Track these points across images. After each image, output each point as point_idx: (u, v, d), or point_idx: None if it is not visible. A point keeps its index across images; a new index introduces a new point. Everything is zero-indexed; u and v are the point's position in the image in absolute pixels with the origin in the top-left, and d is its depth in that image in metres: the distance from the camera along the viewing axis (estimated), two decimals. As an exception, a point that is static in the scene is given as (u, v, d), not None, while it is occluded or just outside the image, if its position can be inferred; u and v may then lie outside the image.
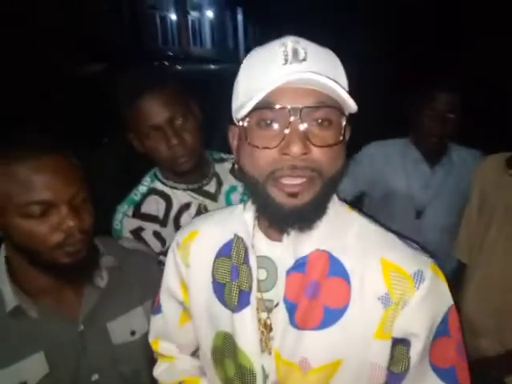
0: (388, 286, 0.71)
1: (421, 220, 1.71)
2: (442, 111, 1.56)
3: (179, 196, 1.28)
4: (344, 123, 0.68)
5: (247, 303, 0.76)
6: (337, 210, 0.77)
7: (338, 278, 0.73)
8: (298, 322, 0.72)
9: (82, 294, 0.93)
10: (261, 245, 0.77)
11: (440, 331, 0.72)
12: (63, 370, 0.88)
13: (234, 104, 0.74)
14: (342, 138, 0.68)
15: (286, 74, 0.64)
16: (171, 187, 1.28)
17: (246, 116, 0.68)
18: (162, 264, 1.23)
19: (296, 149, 0.64)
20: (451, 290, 0.75)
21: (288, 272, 0.73)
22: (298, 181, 0.66)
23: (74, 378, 0.89)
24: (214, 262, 0.82)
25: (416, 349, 0.71)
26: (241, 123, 0.70)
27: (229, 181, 1.35)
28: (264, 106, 0.65)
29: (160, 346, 0.94)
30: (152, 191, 1.28)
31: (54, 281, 0.90)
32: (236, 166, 0.71)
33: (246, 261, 0.78)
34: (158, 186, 1.29)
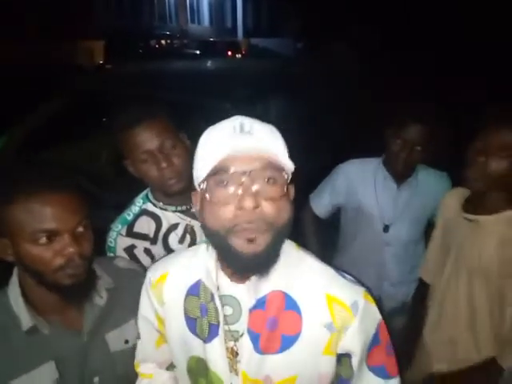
0: (332, 316, 0.89)
1: (388, 234, 1.89)
2: (409, 142, 1.68)
3: (168, 217, 1.42)
4: (286, 181, 0.84)
5: (216, 334, 0.91)
6: (287, 251, 0.91)
7: (292, 312, 0.90)
8: (261, 348, 0.88)
9: (84, 311, 1.08)
10: (225, 285, 0.91)
11: (372, 343, 0.92)
12: (70, 375, 1.04)
13: (195, 173, 0.88)
14: (285, 191, 0.83)
15: (236, 144, 0.80)
16: (161, 208, 1.42)
17: (205, 179, 0.83)
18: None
19: (248, 203, 0.78)
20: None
21: (250, 310, 0.89)
22: (254, 233, 0.80)
23: (79, 381, 1.06)
24: (185, 299, 0.96)
25: (356, 361, 0.90)
26: (201, 186, 0.85)
27: None
28: (220, 170, 0.81)
29: (141, 368, 1.11)
30: (144, 212, 1.42)
31: (59, 300, 1.04)
32: (200, 224, 0.91)
33: (212, 300, 0.92)
34: (149, 207, 1.43)
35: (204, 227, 0.87)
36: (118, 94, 2.69)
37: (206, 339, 0.92)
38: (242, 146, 0.80)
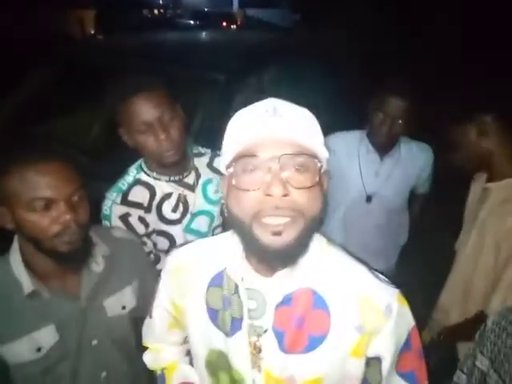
0: (363, 318, 0.84)
1: (371, 204, 1.97)
2: (391, 116, 1.74)
3: (162, 186, 1.49)
4: (319, 168, 0.78)
5: (239, 328, 0.87)
6: (317, 247, 0.86)
7: (320, 311, 0.85)
8: (286, 347, 0.84)
9: (82, 277, 1.15)
10: (250, 277, 0.86)
11: (403, 348, 0.87)
12: (70, 338, 1.12)
13: (223, 156, 0.84)
14: (318, 180, 0.77)
15: (267, 128, 0.75)
16: (155, 178, 1.48)
17: (232, 164, 0.79)
18: (144, 245, 1.46)
19: (277, 190, 0.72)
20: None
21: (276, 306, 0.84)
22: (281, 220, 0.74)
23: (78, 343, 1.14)
24: (207, 290, 0.92)
25: (386, 366, 0.86)
26: (228, 170, 0.81)
27: (206, 174, 1.57)
28: (248, 154, 0.76)
29: (149, 344, 1.13)
30: (137, 181, 1.48)
31: (57, 266, 1.11)
32: (225, 210, 0.86)
33: (236, 292, 0.88)
34: (143, 177, 1.49)
35: (229, 215, 0.83)
36: (108, 66, 2.71)
37: (229, 333, 0.88)
38: (272, 129, 0.75)
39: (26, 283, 1.07)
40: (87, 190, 1.11)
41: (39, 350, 1.08)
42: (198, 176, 1.54)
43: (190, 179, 1.53)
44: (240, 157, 0.78)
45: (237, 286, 0.88)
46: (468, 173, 1.63)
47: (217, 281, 0.92)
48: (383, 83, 1.83)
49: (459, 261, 1.67)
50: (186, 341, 1.08)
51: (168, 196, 1.49)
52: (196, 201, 1.53)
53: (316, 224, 0.80)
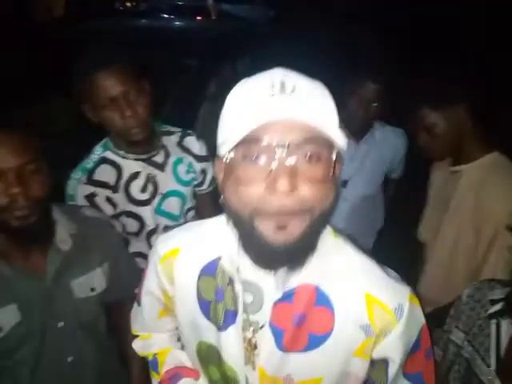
0: (371, 318, 0.76)
1: (346, 189, 1.98)
2: (366, 99, 1.77)
3: (129, 165, 1.44)
4: (334, 158, 0.68)
5: (233, 322, 0.79)
6: (323, 239, 0.76)
7: (323, 308, 0.77)
8: (284, 345, 0.77)
9: (48, 256, 1.10)
10: (246, 268, 0.78)
11: (413, 349, 0.80)
12: (33, 319, 1.07)
13: (220, 138, 0.74)
14: (332, 173, 0.68)
15: (273, 108, 0.64)
16: (122, 157, 1.44)
17: (231, 149, 0.68)
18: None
19: (283, 185, 0.63)
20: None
21: (275, 302, 0.77)
22: (287, 218, 0.66)
23: (42, 325, 1.09)
24: (199, 279, 0.84)
25: (393, 368, 0.79)
26: (226, 156, 0.70)
27: (176, 153, 1.53)
28: (251, 139, 0.65)
29: (138, 332, 1.05)
30: (103, 160, 1.43)
31: (19, 243, 1.05)
32: (220, 199, 0.76)
33: (231, 283, 0.80)
34: (109, 155, 1.44)
35: (225, 205, 0.74)
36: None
37: (221, 326, 0.81)
38: (280, 110, 0.64)
39: None
40: (45, 164, 1.05)
41: None
42: (167, 155, 1.50)
43: (159, 158, 1.49)
44: (242, 141, 0.66)
45: (231, 278, 0.80)
46: (436, 159, 1.62)
47: (209, 270, 0.83)
48: (358, 68, 1.86)
49: (434, 250, 1.64)
50: (177, 327, 1.01)
51: (136, 175, 1.45)
52: (166, 181, 1.49)
53: (325, 221, 0.71)
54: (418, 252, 1.81)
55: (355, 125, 1.88)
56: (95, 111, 1.33)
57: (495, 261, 1.42)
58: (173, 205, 1.52)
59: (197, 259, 0.85)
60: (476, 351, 1.12)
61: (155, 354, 1.02)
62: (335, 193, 0.70)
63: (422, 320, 0.83)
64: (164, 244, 0.90)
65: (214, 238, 0.85)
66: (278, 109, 0.64)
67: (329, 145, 0.67)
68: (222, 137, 0.72)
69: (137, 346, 1.06)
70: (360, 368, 0.80)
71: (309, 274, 0.76)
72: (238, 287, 0.79)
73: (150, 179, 1.46)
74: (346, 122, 1.91)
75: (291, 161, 0.64)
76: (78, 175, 1.40)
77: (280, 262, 0.72)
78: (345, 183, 1.98)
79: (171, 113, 2.09)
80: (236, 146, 0.67)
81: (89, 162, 1.43)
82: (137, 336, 1.06)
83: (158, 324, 1.01)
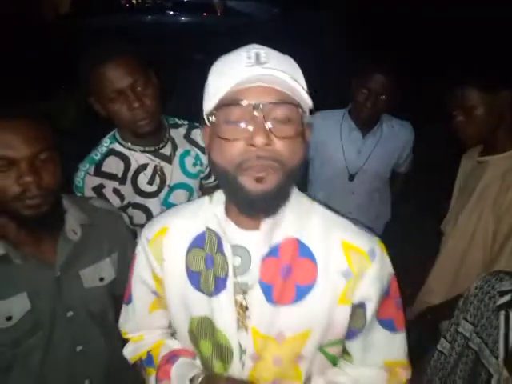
0: (349, 262, 0.86)
1: (353, 182, 1.99)
2: (375, 92, 1.78)
3: (137, 157, 1.45)
4: (303, 119, 0.79)
5: (223, 287, 0.86)
6: (299, 201, 0.89)
7: (306, 260, 0.86)
8: (274, 299, 0.84)
9: (58, 245, 1.11)
10: (233, 234, 0.87)
11: (384, 293, 0.90)
12: (43, 308, 1.08)
13: (205, 104, 0.82)
14: (300, 130, 0.78)
15: (250, 76, 0.74)
16: (129, 149, 1.45)
17: (214, 112, 0.78)
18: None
19: (260, 140, 0.73)
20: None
21: (263, 258, 0.85)
22: (264, 170, 0.76)
23: (52, 314, 1.10)
24: (187, 253, 0.90)
25: (370, 310, 0.88)
26: (210, 119, 0.79)
27: (183, 145, 1.53)
28: (231, 102, 0.75)
29: (129, 335, 1.06)
30: (111, 152, 1.44)
31: (29, 232, 1.06)
32: (208, 160, 0.87)
33: (219, 250, 0.87)
34: (117, 147, 1.45)
35: (212, 164, 0.83)
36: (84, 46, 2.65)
37: (212, 293, 0.87)
38: (255, 76, 0.73)
39: None
40: (58, 154, 1.06)
41: (9, 318, 1.04)
42: (174, 147, 1.51)
43: (167, 150, 1.49)
44: (223, 105, 0.76)
45: (220, 244, 0.87)
46: (467, 143, 1.58)
47: (198, 242, 0.90)
48: (367, 61, 1.86)
49: (450, 239, 1.63)
50: (170, 324, 1.03)
51: (143, 167, 1.45)
52: (173, 173, 1.49)
53: (295, 175, 0.81)
54: (426, 246, 1.81)
55: (363, 117, 1.88)
56: (103, 104, 1.34)
57: (510, 253, 1.40)
58: (180, 197, 1.53)
59: (185, 234, 0.92)
60: (484, 343, 1.11)
61: (149, 351, 1.02)
62: (303, 151, 0.80)
63: (391, 269, 0.92)
64: (150, 228, 0.96)
65: (199, 214, 0.92)
66: (253, 76, 0.74)
67: (298, 107, 0.78)
68: (206, 102, 0.81)
69: (128, 351, 1.05)
70: (344, 317, 0.88)
71: (290, 229, 0.86)
72: (228, 251, 0.86)
73: (158, 171, 1.47)
74: (353, 115, 1.95)
75: (266, 120, 0.74)
76: (85, 167, 1.42)
77: (259, 209, 0.81)
78: (352, 176, 1.99)
79: (177, 106, 2.09)
80: (219, 110, 0.77)
81: (97, 154, 1.44)
82: (127, 341, 1.06)
83: (149, 319, 1.02)
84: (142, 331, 1.04)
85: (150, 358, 1.02)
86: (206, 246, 0.89)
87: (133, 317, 1.02)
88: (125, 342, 1.11)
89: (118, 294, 1.24)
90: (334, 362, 0.95)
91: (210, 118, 0.80)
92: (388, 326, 0.92)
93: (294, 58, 0.83)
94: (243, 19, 5.62)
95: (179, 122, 1.58)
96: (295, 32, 4.31)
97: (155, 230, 0.95)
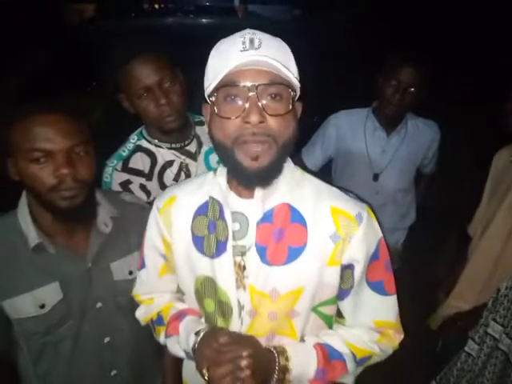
0: (336, 226, 0.95)
1: (377, 182, 1.98)
2: (404, 84, 1.77)
3: (163, 154, 1.48)
4: (292, 97, 0.88)
5: (224, 250, 0.96)
6: (293, 172, 0.99)
7: (298, 224, 0.95)
8: (268, 259, 0.94)
9: (89, 237, 1.14)
10: (233, 202, 0.97)
11: (373, 257, 0.98)
12: (74, 298, 1.12)
13: (205, 85, 0.92)
14: (290, 108, 0.88)
15: (245, 59, 0.83)
16: (156, 145, 1.48)
17: (214, 93, 0.88)
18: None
19: (254, 118, 0.83)
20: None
21: (258, 223, 0.95)
22: (259, 147, 0.86)
23: (82, 304, 1.13)
24: (193, 220, 1.02)
25: (358, 271, 0.97)
26: (210, 99, 0.89)
27: (208, 143, 1.55)
28: (228, 83, 0.85)
29: (141, 297, 1.15)
30: (138, 148, 1.48)
31: (62, 223, 1.10)
32: (209, 136, 0.96)
33: (221, 217, 0.98)
34: (144, 143, 1.49)
35: (212, 140, 0.93)
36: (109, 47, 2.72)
37: (214, 255, 0.97)
38: (250, 60, 0.83)
39: (32, 236, 1.07)
40: (93, 147, 1.10)
41: (43, 306, 1.08)
42: (199, 144, 1.54)
43: (192, 147, 1.52)
44: (222, 86, 0.86)
45: (221, 211, 0.98)
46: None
47: (202, 210, 1.01)
48: (396, 53, 1.85)
49: (483, 242, 1.58)
50: (178, 289, 1.12)
51: (169, 164, 1.48)
52: (198, 170, 1.52)
53: (288, 149, 0.91)
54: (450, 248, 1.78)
55: (389, 112, 1.87)
56: (131, 101, 1.37)
57: None
58: None
59: (191, 203, 1.03)
60: (514, 343, 1.10)
61: (159, 312, 1.12)
62: (294, 127, 0.90)
63: (380, 233, 1.00)
64: (161, 198, 1.07)
65: (204, 186, 1.04)
66: (248, 60, 0.83)
67: (288, 87, 0.87)
68: (207, 83, 0.91)
69: (140, 313, 1.15)
70: (333, 277, 0.96)
71: (282, 196, 0.96)
72: (228, 217, 0.96)
73: (183, 168, 1.50)
74: (378, 112, 1.94)
75: (260, 99, 0.84)
76: (113, 163, 1.45)
77: (255, 182, 0.91)
78: (376, 176, 1.98)
79: (200, 105, 2.12)
80: (218, 90, 0.87)
81: (124, 150, 1.48)
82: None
83: (160, 283, 1.12)
84: (153, 294, 1.14)
85: (160, 318, 1.11)
86: (209, 213, 1.00)
87: (146, 280, 1.12)
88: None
89: None
90: (328, 322, 1.03)
91: (210, 98, 0.89)
92: (377, 288, 1.00)
93: (314, 58, 0.90)
94: (264, 22, 5.66)
95: (204, 120, 1.60)
96: (316, 32, 4.32)
97: (165, 199, 1.06)
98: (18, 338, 1.12)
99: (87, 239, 1.14)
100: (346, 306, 1.01)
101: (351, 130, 1.99)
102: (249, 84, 0.84)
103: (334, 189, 1.02)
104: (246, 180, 0.91)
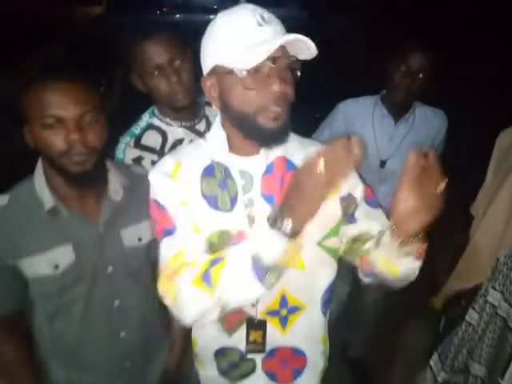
0: None
1: (384, 169, 2.03)
2: (414, 69, 1.82)
3: (174, 132, 1.55)
4: (299, 69, 1.02)
5: (236, 203, 1.08)
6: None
7: (292, 172, 1.07)
8: (276, 204, 1.06)
9: (101, 204, 1.21)
10: (235, 161, 1.09)
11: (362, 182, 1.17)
12: (86, 261, 1.18)
13: (217, 57, 0.99)
14: (297, 77, 1.02)
15: (267, 35, 0.94)
16: (167, 124, 1.55)
17: (233, 66, 0.96)
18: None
19: (276, 87, 0.95)
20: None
21: (262, 176, 1.09)
22: (279, 110, 0.98)
23: (93, 267, 1.20)
24: (201, 182, 1.09)
25: (358, 195, 1.14)
26: (235, 73, 0.96)
27: None
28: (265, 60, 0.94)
29: (184, 258, 1.04)
30: (150, 126, 1.55)
31: (75, 189, 1.17)
32: (216, 106, 1.06)
33: (227, 176, 1.09)
34: (156, 121, 1.56)
35: (226, 109, 1.03)
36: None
37: (228, 209, 1.08)
38: (268, 35, 0.94)
39: (47, 199, 1.14)
40: (103, 116, 1.16)
41: (57, 267, 1.14)
42: (208, 124, 1.60)
43: (201, 127, 1.59)
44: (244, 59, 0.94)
45: (227, 172, 1.09)
46: None
47: (208, 172, 1.10)
48: (406, 39, 1.91)
49: (485, 220, 1.61)
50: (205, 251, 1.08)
51: (180, 142, 1.55)
52: None
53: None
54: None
55: (399, 98, 1.91)
56: (143, 79, 1.45)
57: None
58: None
59: (195, 167, 1.11)
60: (513, 308, 1.14)
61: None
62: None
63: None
64: (165, 165, 1.13)
65: (204, 150, 1.12)
66: (267, 34, 0.95)
67: (297, 59, 1.00)
68: (222, 58, 0.98)
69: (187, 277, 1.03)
70: (334, 208, 1.10)
71: (279, 150, 1.08)
72: (236, 175, 1.08)
73: None
74: (386, 99, 1.98)
75: (280, 71, 0.96)
76: (126, 140, 1.53)
77: (275, 140, 1.03)
78: (383, 163, 2.02)
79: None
80: (239, 64, 0.94)
81: (136, 128, 1.55)
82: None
83: (191, 244, 1.05)
84: (193, 257, 1.04)
85: (213, 262, 1.02)
86: (216, 174, 1.09)
87: (182, 241, 1.06)
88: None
89: (154, 255, 1.33)
90: (334, 255, 1.17)
91: (238, 72, 0.96)
92: (372, 203, 1.18)
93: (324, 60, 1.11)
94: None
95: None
96: (323, 35, 4.41)
97: (171, 167, 1.12)
98: (34, 299, 1.19)
99: (99, 206, 1.21)
100: (360, 220, 1.15)
101: (359, 116, 2.04)
102: (271, 57, 0.93)
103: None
104: (266, 139, 1.03)
